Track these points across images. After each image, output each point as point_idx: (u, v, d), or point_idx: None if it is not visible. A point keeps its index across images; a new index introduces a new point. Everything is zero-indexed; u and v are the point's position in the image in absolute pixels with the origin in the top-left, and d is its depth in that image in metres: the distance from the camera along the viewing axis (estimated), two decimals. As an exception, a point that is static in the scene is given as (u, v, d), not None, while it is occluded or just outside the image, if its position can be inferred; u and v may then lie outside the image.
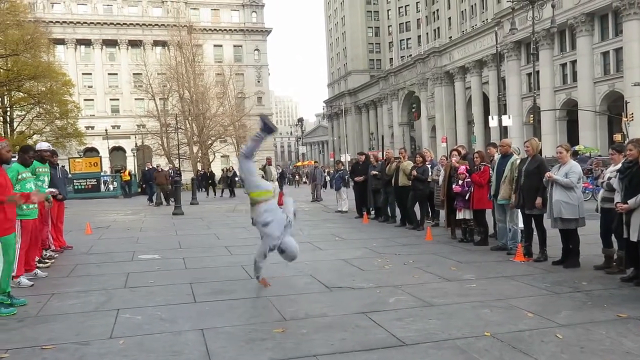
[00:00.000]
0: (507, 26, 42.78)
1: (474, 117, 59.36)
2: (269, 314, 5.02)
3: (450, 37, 69.85)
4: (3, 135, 31.24)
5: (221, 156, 59.61)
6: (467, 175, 8.99)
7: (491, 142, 10.74)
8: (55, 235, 8.71)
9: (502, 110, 39.53)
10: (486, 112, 53.38)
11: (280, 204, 17.70)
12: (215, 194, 29.95)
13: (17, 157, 6.51)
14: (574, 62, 44.78)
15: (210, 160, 52.24)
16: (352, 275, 6.67)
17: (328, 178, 25.62)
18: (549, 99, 45.84)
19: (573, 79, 44.96)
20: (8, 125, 37.99)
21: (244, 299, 5.61)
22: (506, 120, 32.71)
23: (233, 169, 31.64)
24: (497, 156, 8.55)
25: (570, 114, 45.64)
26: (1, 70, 33.94)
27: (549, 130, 45.32)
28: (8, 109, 37.92)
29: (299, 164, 69.61)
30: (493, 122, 34.04)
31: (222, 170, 34.65)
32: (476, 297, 5.45)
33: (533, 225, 7.54)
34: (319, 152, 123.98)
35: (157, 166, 23.97)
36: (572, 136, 43.39)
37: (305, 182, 44.42)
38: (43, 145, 7.82)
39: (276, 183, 17.77)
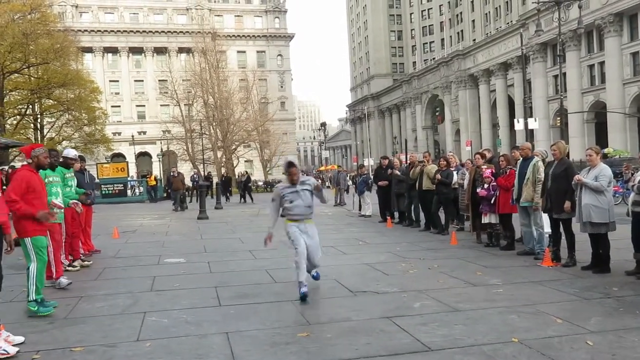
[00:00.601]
0: (532, 28, 42.15)
1: (499, 120, 58.59)
2: (293, 318, 5.02)
3: (474, 40, 69.19)
4: (35, 142, 32.04)
5: (245, 161, 60.08)
6: (493, 178, 8.87)
7: (516, 145, 10.58)
8: (84, 240, 8.88)
9: (528, 113, 38.90)
10: (511, 115, 52.62)
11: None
12: (227, 200, 28.06)
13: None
14: (602, 64, 43.86)
15: (234, 165, 52.67)
16: (376, 280, 6.63)
17: (350, 182, 25.37)
18: (576, 101, 44.97)
19: (601, 81, 44.03)
20: (39, 131, 38.94)
21: (268, 302, 5.63)
22: (532, 123, 32.19)
23: (247, 173, 31.72)
24: (519, 160, 8.43)
25: (598, 116, 44.68)
26: (32, 78, 34.81)
27: (576, 133, 44.44)
28: (39, 115, 38.86)
29: (322, 168, 69.64)
30: (519, 125, 33.50)
31: (237, 175, 34.21)
32: (503, 303, 5.37)
33: (561, 229, 7.40)
34: (342, 157, 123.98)
35: (172, 171, 23.84)
36: (601, 139, 42.44)
37: (328, 187, 44.40)
38: (70, 153, 7.98)
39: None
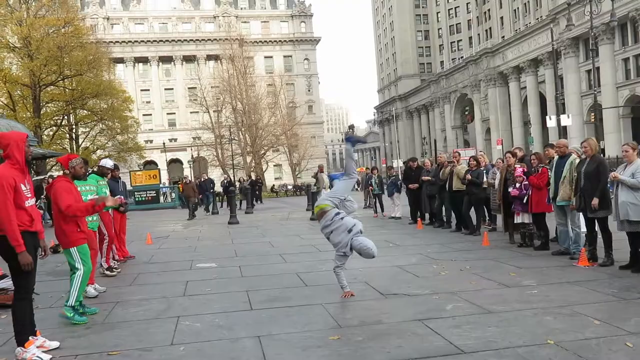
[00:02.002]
0: (563, 22, 41.27)
1: (530, 118, 57.41)
2: (324, 321, 5.02)
3: (503, 37, 68.05)
4: (71, 152, 32.94)
5: (274, 165, 60.53)
6: (525, 177, 8.71)
7: (549, 143, 10.36)
8: (119, 246, 9.08)
9: (561, 109, 38.02)
10: (543, 112, 51.52)
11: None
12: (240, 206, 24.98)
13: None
14: (637, 56, 42.56)
15: (264, 169, 53.11)
16: (408, 282, 6.59)
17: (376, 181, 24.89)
18: (611, 96, 43.72)
19: (637, 74, 42.71)
20: (74, 141, 40.08)
21: (299, 306, 5.65)
22: (565, 120, 31.46)
23: (250, 178, 31.24)
24: (555, 157, 8.25)
25: (635, 110, 43.36)
26: (67, 90, 35.84)
27: (612, 128, 43.21)
28: (74, 126, 40.01)
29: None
30: (551, 122, 32.79)
31: (239, 180, 32.89)
32: (538, 304, 5.26)
33: (597, 228, 7.21)
34: (370, 159, 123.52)
35: (184, 177, 23.32)
36: (638, 134, 41.17)
37: (357, 189, 44.26)
38: (108, 163, 8.25)
39: (328, 190, 17.79)
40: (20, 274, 4.20)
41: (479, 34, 78.62)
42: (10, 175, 4.10)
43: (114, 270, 7.99)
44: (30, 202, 4.28)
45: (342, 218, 5.97)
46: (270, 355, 4.10)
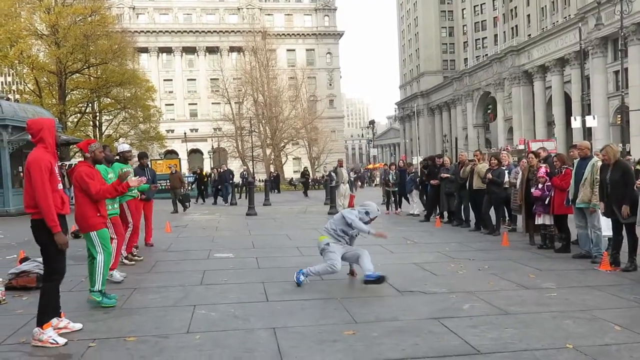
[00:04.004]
0: (591, 21, 40.43)
1: (554, 118, 56.51)
2: (340, 316, 5.01)
3: (529, 35, 66.96)
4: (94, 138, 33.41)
5: (293, 158, 60.60)
6: (548, 178, 8.57)
7: (573, 144, 10.17)
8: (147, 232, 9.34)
9: (586, 110, 37.35)
10: (568, 113, 50.64)
11: (350, 205, 17.80)
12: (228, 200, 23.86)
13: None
14: (668, 58, 41.54)
15: (283, 162, 53.19)
16: (424, 280, 6.54)
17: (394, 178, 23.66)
18: (638, 98, 42.75)
19: (667, 76, 41.70)
20: (97, 129, 40.68)
21: (315, 299, 5.65)
22: (590, 121, 30.88)
23: (246, 173, 30.76)
24: (577, 159, 8.09)
25: (663, 113, 42.31)
26: (92, 78, 36.35)
27: (638, 131, 42.25)
28: (97, 114, 40.61)
29: (370, 166, 69.35)
30: (576, 123, 32.19)
31: (208, 172, 31.18)
32: (557, 307, 5.17)
33: (624, 232, 7.04)
34: (390, 155, 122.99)
35: (172, 167, 21.72)
36: (666, 137, 40.23)
37: (376, 185, 44.12)
38: (125, 147, 8.25)
39: (347, 185, 17.76)
40: (52, 257, 4.32)
41: (504, 32, 77.45)
42: (47, 158, 4.23)
43: (133, 259, 8.06)
44: (60, 185, 4.40)
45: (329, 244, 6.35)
46: (285, 348, 4.11)
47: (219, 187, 24.93)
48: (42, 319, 4.30)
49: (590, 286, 6.06)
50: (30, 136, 4.38)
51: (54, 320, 4.43)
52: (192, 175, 35.90)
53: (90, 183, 5.19)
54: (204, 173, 28.80)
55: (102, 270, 5.30)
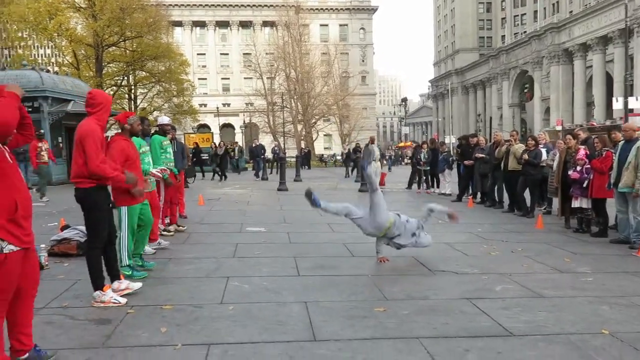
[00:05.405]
0: (639, -2, 38.61)
1: (594, 99, 54.63)
2: (370, 292, 5.04)
3: (571, 12, 64.41)
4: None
5: (324, 135, 60.51)
6: (587, 161, 8.33)
7: (616, 124, 9.84)
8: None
9: (629, 91, 35.97)
10: (609, 94, 48.87)
11: (382, 184, 17.60)
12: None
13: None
14: None
15: (314, 138, 53.15)
16: (456, 260, 6.50)
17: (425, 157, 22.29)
18: (686, 79, 40.98)
19: None
20: (132, 102, 41.34)
21: (346, 275, 5.69)
22: (633, 102, 29.78)
23: (277, 148, 27.92)
24: (621, 142, 7.83)
25: None
26: (127, 51, 36.82)
27: (684, 113, 40.61)
28: (132, 87, 41.23)
29: (402, 144, 68.75)
30: (617, 105, 31.10)
31: (212, 146, 27.60)
32: (593, 292, 5.08)
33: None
34: (422, 133, 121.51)
35: (254, 143, 20.78)
36: None
37: (407, 163, 43.77)
38: (164, 120, 8.32)
39: (378, 163, 17.65)
40: (95, 225, 4.51)
41: (545, 8, 74.65)
42: (99, 130, 4.40)
43: (178, 228, 8.31)
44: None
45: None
46: (317, 322, 4.16)
47: (251, 161, 24.87)
48: (97, 283, 4.55)
49: (628, 272, 5.92)
50: (88, 105, 4.50)
51: (115, 284, 4.71)
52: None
53: (113, 158, 5.11)
54: (222, 147, 25.83)
55: (126, 246, 5.42)
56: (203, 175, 23.73)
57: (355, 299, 4.81)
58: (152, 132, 7.78)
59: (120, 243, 5.34)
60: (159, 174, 6.94)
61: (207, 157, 26.02)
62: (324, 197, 7.34)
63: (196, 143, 28.02)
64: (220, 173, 22.58)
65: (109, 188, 4.68)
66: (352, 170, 26.80)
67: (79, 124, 4.45)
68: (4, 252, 2.94)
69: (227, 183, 20.88)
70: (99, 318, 4.22)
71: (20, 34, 38.39)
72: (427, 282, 5.48)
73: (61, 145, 19.46)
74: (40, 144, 13.34)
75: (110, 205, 4.74)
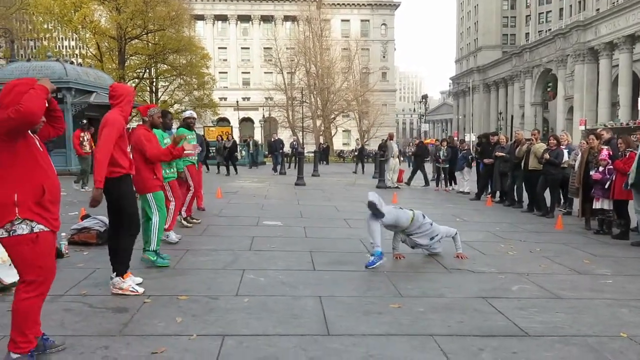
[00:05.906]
0: (669, -4, 37.67)
1: (619, 99, 53.56)
2: (386, 289, 5.03)
3: (598, 10, 63.17)
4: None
5: (343, 130, 60.39)
6: (610, 161, 8.19)
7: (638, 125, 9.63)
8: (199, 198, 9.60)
9: (656, 91, 35.14)
10: (635, 94, 47.92)
11: (399, 180, 17.50)
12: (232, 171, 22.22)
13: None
14: None
15: (333, 134, 53.09)
16: (473, 258, 6.45)
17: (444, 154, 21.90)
18: None
19: None
20: (154, 94, 41.77)
21: (361, 271, 5.68)
22: (659, 103, 29.10)
23: (296, 143, 27.65)
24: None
25: None
26: (150, 44, 37.18)
27: None
28: (154, 79, 41.64)
29: (427, 141, 68.24)
30: (643, 105, 30.45)
31: (217, 139, 25.74)
32: (612, 295, 5.00)
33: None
34: (442, 131, 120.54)
35: (272, 137, 20.44)
36: None
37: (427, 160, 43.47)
38: (186, 113, 8.50)
39: (397, 160, 17.56)
40: (131, 215, 4.69)
41: (570, 5, 73.38)
42: (121, 121, 4.50)
43: (192, 221, 8.37)
44: (129, 148, 4.71)
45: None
46: (331, 317, 4.17)
47: (269, 155, 24.87)
48: (122, 270, 4.67)
49: (649, 275, 5.82)
50: (110, 98, 4.64)
51: (117, 280, 4.75)
52: (240, 144, 36.25)
53: (146, 145, 5.39)
54: (230, 139, 24.74)
55: (157, 231, 5.50)
56: (207, 169, 22.26)
57: (371, 295, 4.80)
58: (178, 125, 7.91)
59: (151, 227, 5.46)
60: (192, 152, 7.06)
61: (214, 151, 24.73)
62: (343, 193, 7.32)
63: (222, 136, 26.95)
64: (227, 166, 21.96)
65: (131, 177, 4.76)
66: (362, 166, 27.08)
67: (104, 115, 4.55)
68: (35, 231, 3.05)
69: (244, 177, 20.99)
70: (117, 306, 4.28)
71: (45, 26, 38.94)
72: (443, 279, 5.45)
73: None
74: (82, 134, 13.55)
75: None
